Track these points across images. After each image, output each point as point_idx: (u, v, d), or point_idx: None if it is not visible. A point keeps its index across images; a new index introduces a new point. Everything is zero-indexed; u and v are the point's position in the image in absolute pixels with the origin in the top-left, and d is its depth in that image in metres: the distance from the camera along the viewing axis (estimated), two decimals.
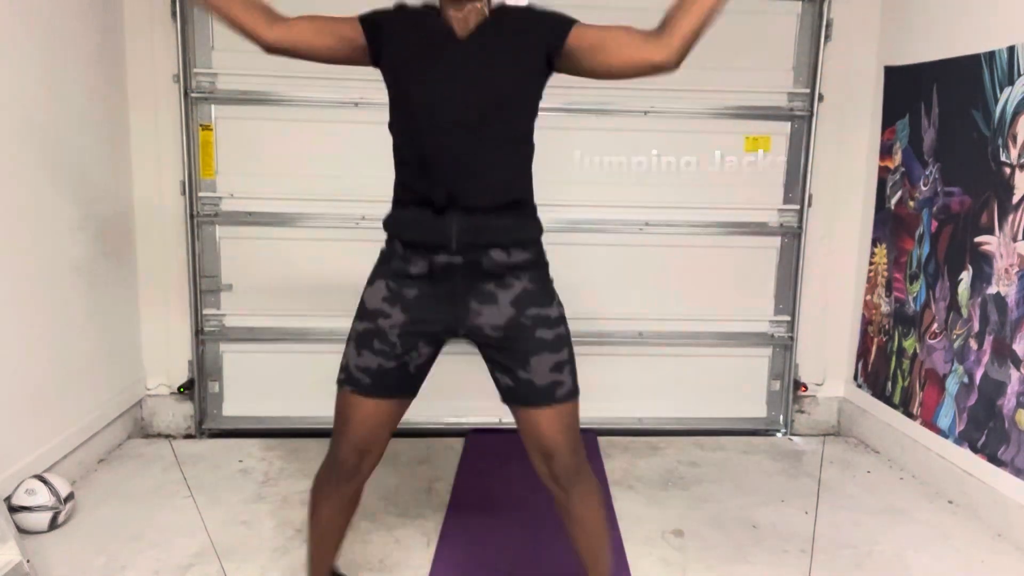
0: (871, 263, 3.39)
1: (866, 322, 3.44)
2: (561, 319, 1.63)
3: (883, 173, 3.31)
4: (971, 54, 2.74)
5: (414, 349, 1.61)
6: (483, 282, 1.57)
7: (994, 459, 2.63)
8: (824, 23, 3.23)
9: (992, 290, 2.65)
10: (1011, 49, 2.54)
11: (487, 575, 2.22)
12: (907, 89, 3.14)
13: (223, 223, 3.23)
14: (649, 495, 2.83)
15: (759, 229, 3.41)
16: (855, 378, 3.50)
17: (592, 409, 3.42)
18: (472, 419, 3.34)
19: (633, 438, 3.37)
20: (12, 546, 1.72)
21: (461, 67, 1.52)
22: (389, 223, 1.65)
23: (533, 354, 1.58)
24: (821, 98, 3.30)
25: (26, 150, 2.51)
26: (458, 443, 3.21)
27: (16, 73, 2.44)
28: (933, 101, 2.98)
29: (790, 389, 3.51)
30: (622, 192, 3.32)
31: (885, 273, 3.29)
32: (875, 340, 3.36)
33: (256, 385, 3.35)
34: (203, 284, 3.26)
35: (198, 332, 3.28)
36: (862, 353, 3.46)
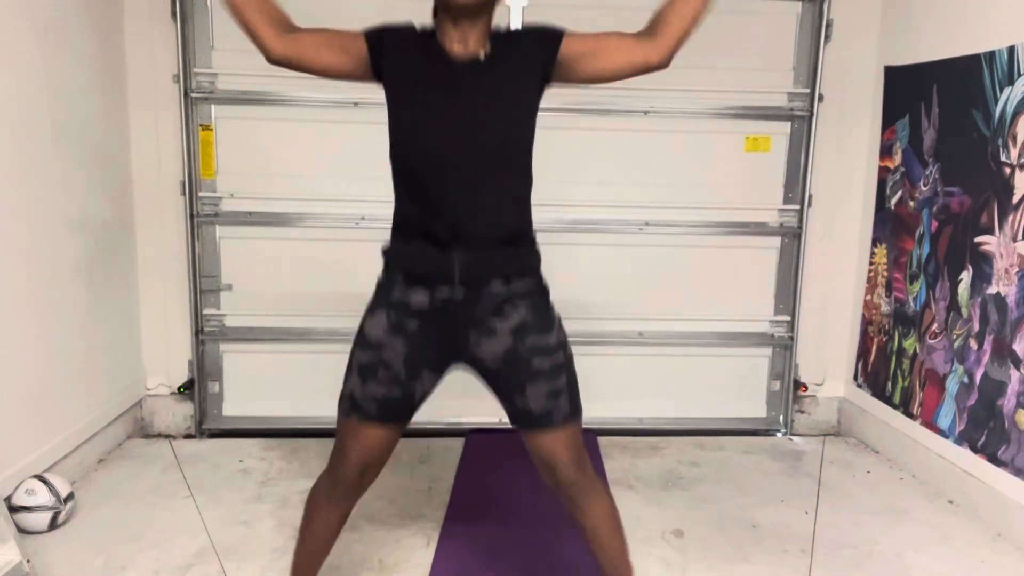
0: (871, 263, 3.39)
1: (866, 322, 3.44)
2: (560, 345, 1.64)
3: (883, 173, 3.31)
4: (971, 54, 2.74)
5: (418, 378, 1.64)
6: (483, 314, 1.59)
7: (994, 459, 2.63)
8: (824, 23, 3.23)
9: (992, 290, 2.65)
10: (1011, 49, 2.54)
11: (487, 575, 2.22)
12: (907, 89, 3.14)
13: (223, 223, 3.23)
14: (649, 495, 2.83)
15: (759, 229, 3.41)
16: (855, 378, 3.50)
17: (592, 409, 3.41)
18: (472, 419, 3.34)
19: (633, 438, 3.37)
20: (12, 546, 1.72)
21: (463, 102, 1.52)
22: (392, 255, 1.65)
23: (529, 383, 1.60)
24: (821, 98, 3.30)
25: (26, 150, 2.51)
26: (458, 443, 3.21)
27: (16, 73, 2.44)
28: (933, 101, 2.98)
29: (790, 389, 3.51)
30: (622, 192, 3.32)
31: (885, 273, 3.29)
32: (875, 340, 3.36)
33: (256, 385, 3.35)
34: (203, 284, 3.26)
35: (198, 332, 3.28)
36: (862, 353, 3.46)
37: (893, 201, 3.24)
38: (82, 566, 2.23)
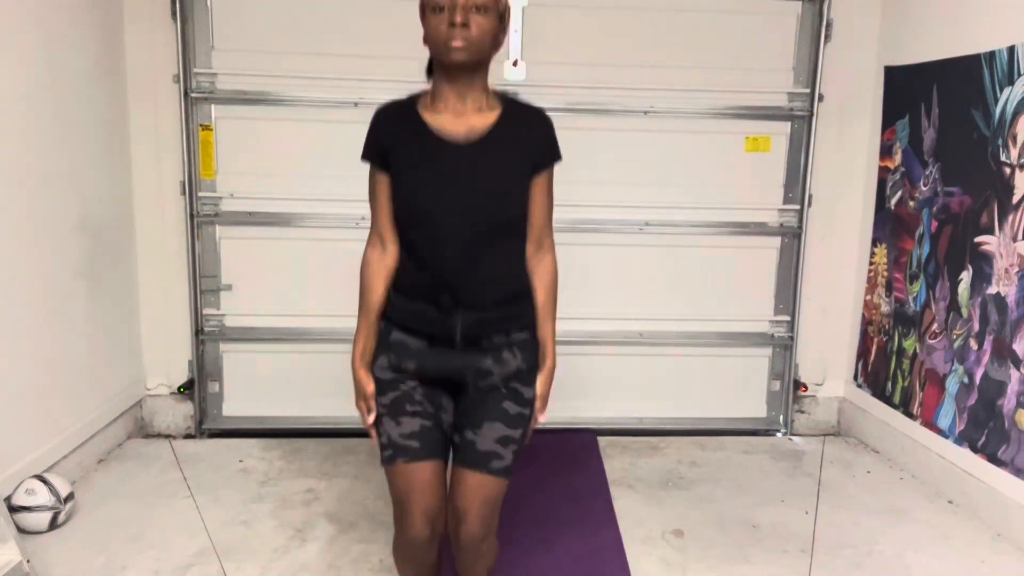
0: (871, 263, 3.39)
1: (866, 322, 3.44)
2: (530, 403, 1.66)
3: (883, 173, 3.31)
4: (971, 54, 2.74)
5: (440, 406, 1.66)
6: (481, 358, 1.62)
7: (994, 459, 2.63)
8: (824, 23, 3.23)
9: (992, 290, 2.65)
10: (1011, 49, 2.54)
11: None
12: (907, 89, 3.14)
13: (223, 223, 3.23)
14: (649, 495, 2.83)
15: (759, 229, 3.41)
16: (855, 378, 3.50)
17: (592, 409, 3.45)
18: None
19: (633, 438, 3.38)
20: (12, 546, 1.72)
21: (460, 182, 1.54)
22: (393, 314, 1.65)
23: (488, 419, 1.61)
24: (821, 98, 3.30)
25: (26, 150, 2.51)
26: None
27: (17, 74, 2.44)
28: (933, 101, 2.98)
29: (790, 389, 3.51)
30: (622, 192, 3.32)
31: (885, 273, 3.29)
32: (875, 340, 3.36)
33: (256, 385, 3.35)
34: (203, 284, 3.26)
35: (198, 332, 3.28)
36: (862, 353, 3.46)
37: (893, 201, 3.24)
38: (82, 566, 2.23)
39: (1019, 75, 2.51)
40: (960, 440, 2.80)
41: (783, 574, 2.31)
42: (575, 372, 3.35)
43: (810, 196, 3.36)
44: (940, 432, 2.91)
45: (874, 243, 3.36)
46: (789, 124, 3.35)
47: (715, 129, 3.31)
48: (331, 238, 3.23)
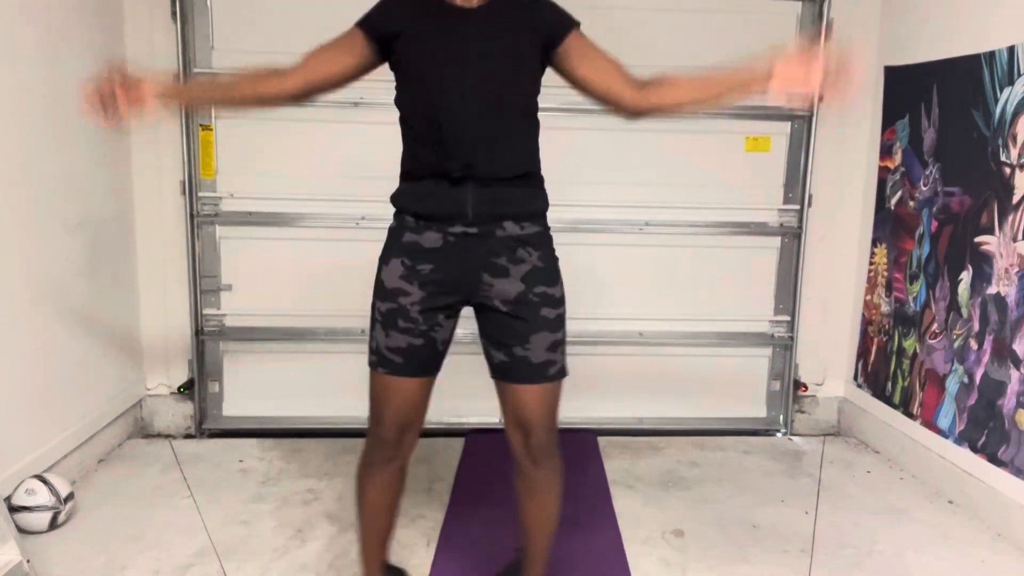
0: (871, 263, 3.39)
1: (866, 322, 3.44)
2: (563, 299, 1.67)
3: (883, 173, 3.31)
4: (971, 54, 2.74)
5: (436, 324, 1.64)
6: (496, 255, 1.60)
7: (994, 459, 2.63)
8: (824, 23, 3.23)
9: (992, 290, 2.65)
10: (1011, 49, 2.54)
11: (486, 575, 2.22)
12: (907, 89, 3.14)
13: (223, 223, 3.23)
14: (649, 495, 2.83)
15: (759, 229, 3.41)
16: (855, 378, 3.50)
17: (592, 409, 3.45)
18: (472, 419, 3.34)
19: (633, 438, 3.37)
20: (12, 546, 1.72)
21: (472, 40, 1.53)
22: (401, 197, 1.65)
23: (534, 332, 1.61)
24: (821, 98, 3.29)
25: (25, 150, 2.51)
26: (458, 443, 3.21)
27: (16, 73, 2.44)
28: (933, 101, 2.98)
29: (790, 389, 3.51)
30: (622, 192, 3.32)
31: (885, 273, 3.29)
32: (875, 340, 3.36)
33: (256, 385, 3.35)
34: (203, 284, 3.26)
35: (198, 332, 3.28)
36: (862, 353, 3.46)
37: (893, 201, 3.24)
38: (82, 566, 2.23)
39: (1019, 75, 2.51)
40: (960, 440, 2.80)
41: (783, 574, 2.31)
42: (576, 372, 3.33)
43: (810, 196, 3.36)
44: (940, 432, 2.91)
45: (874, 243, 3.36)
46: (789, 124, 3.35)
47: (715, 129, 3.31)
48: (331, 238, 3.23)
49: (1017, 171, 2.54)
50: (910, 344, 3.12)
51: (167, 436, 3.30)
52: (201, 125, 3.18)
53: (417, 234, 1.62)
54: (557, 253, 1.74)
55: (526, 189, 1.63)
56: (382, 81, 1.71)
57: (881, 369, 3.31)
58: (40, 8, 2.56)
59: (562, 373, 1.66)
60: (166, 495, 2.71)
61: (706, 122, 3.30)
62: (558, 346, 1.64)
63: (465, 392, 2.90)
